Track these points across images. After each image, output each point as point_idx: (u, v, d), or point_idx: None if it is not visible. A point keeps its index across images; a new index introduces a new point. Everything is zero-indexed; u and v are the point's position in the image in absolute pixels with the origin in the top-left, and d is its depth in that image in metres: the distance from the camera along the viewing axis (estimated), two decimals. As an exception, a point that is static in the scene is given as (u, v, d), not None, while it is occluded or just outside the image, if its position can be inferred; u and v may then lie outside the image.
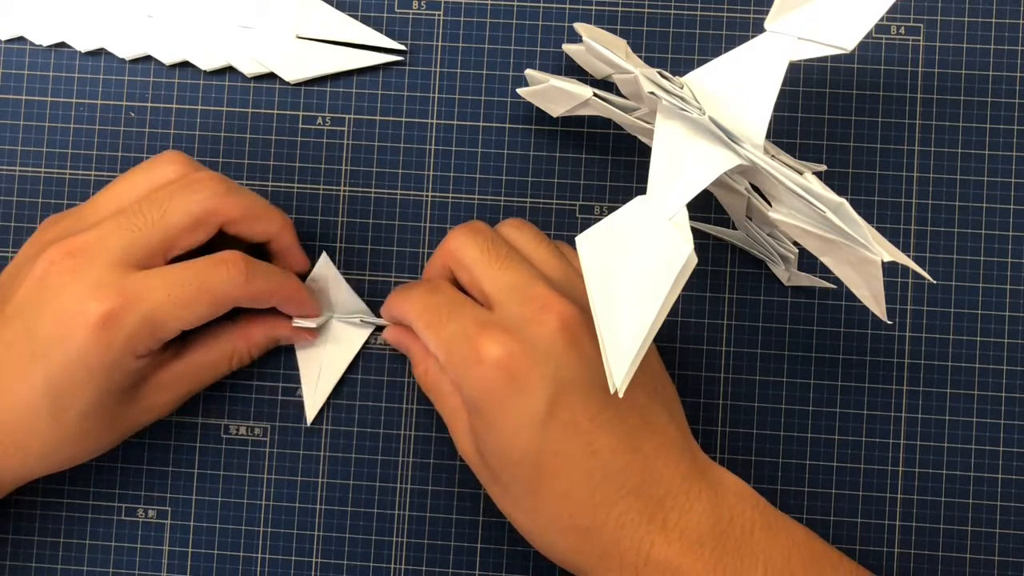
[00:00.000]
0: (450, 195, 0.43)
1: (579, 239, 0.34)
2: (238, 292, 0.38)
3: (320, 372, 0.42)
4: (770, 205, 0.36)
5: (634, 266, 0.33)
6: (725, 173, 0.34)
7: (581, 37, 0.39)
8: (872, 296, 0.34)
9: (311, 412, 0.42)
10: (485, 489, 0.38)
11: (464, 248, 0.39)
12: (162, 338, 0.37)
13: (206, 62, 0.43)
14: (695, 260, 0.33)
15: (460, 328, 0.36)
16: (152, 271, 0.37)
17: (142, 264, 0.37)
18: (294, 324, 0.41)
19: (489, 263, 0.38)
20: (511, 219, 0.41)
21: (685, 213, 0.33)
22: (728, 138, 0.33)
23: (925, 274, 0.35)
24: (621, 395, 0.32)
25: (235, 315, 0.40)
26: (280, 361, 0.43)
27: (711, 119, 0.33)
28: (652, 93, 0.35)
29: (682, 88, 0.35)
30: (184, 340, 0.40)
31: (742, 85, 0.35)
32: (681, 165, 0.34)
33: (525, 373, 0.35)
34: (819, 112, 0.43)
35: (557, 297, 0.36)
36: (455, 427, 0.38)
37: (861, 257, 0.33)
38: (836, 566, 0.36)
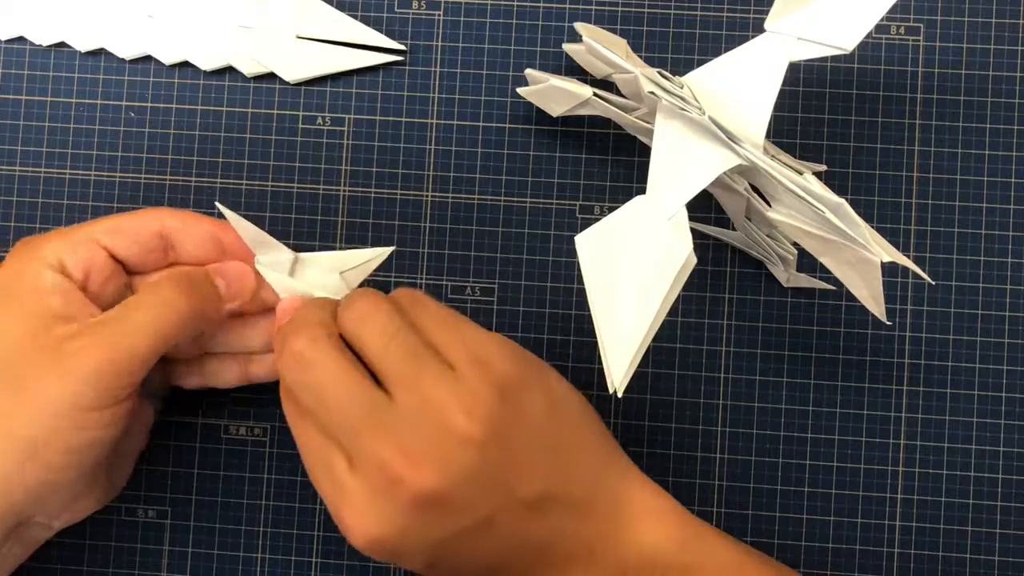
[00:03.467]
0: (450, 195, 0.43)
1: (579, 239, 0.34)
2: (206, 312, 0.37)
3: None
4: (769, 206, 0.36)
5: (633, 266, 0.33)
6: (725, 173, 0.34)
7: (581, 37, 0.39)
8: (871, 297, 0.34)
9: None
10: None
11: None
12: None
13: (206, 62, 0.43)
14: (694, 260, 0.33)
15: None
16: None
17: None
18: (256, 264, 0.38)
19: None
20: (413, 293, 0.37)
21: (685, 213, 0.33)
22: (728, 138, 0.34)
23: (924, 275, 0.35)
24: (620, 394, 0.32)
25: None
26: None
27: (711, 119, 0.33)
28: (652, 93, 0.35)
29: (682, 88, 0.35)
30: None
31: (742, 85, 0.35)
32: (681, 165, 0.34)
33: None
34: (819, 112, 0.43)
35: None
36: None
37: (860, 258, 0.33)
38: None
